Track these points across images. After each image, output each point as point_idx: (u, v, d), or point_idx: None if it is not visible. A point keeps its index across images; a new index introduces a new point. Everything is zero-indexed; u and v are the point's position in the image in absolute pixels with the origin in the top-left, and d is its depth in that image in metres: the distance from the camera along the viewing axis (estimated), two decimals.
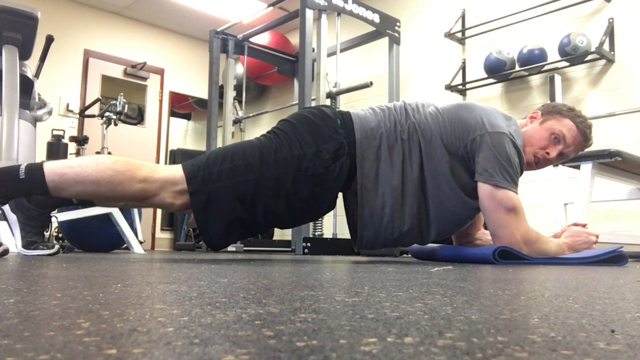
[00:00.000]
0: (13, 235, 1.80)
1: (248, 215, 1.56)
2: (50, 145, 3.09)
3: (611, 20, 3.64)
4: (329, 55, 4.13)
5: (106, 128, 4.28)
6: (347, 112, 1.74)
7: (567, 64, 3.77)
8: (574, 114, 1.82)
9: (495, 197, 1.64)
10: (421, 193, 1.69)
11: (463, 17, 4.52)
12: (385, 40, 4.66)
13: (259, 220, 1.59)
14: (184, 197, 1.54)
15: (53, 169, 1.48)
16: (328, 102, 4.04)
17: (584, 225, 1.87)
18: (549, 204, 3.44)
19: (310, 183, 1.57)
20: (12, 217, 1.77)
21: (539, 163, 1.81)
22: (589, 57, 3.63)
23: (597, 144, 3.30)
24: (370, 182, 1.66)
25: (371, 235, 1.71)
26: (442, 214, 1.71)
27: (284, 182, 1.55)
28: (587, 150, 2.58)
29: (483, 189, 1.66)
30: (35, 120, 3.31)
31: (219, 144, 4.70)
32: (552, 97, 3.09)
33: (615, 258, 1.67)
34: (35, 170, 1.48)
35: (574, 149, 1.82)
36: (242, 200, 1.54)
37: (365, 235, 1.71)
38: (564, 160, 1.91)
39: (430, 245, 2.04)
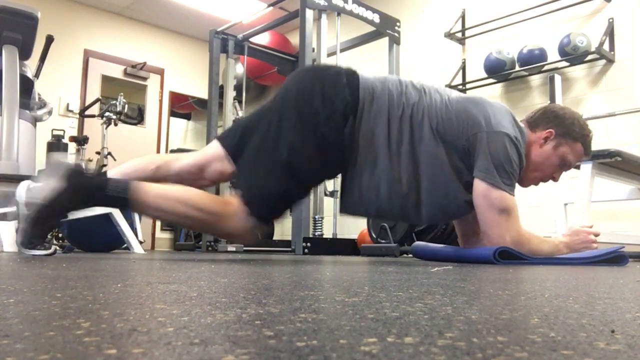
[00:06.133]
0: (17, 229, 1.78)
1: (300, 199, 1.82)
2: (50, 145, 3.09)
3: (611, 20, 3.64)
4: (329, 55, 4.13)
5: (106, 128, 4.28)
6: (355, 73, 1.75)
7: (567, 64, 3.77)
8: (584, 133, 1.80)
9: (489, 197, 1.65)
10: (414, 171, 1.69)
11: (463, 17, 4.52)
12: (385, 40, 4.66)
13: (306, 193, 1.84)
14: (250, 221, 1.66)
15: (150, 203, 1.62)
16: None
17: (590, 227, 1.85)
18: (549, 204, 3.44)
19: (332, 152, 1.66)
20: (24, 212, 1.77)
21: (542, 181, 1.87)
22: (589, 57, 3.63)
23: (597, 144, 3.30)
24: (365, 142, 1.67)
25: (356, 196, 1.72)
26: (434, 199, 1.72)
27: (319, 170, 1.72)
28: None
29: (479, 186, 1.66)
30: (35, 120, 3.31)
31: None
32: (552, 97, 3.09)
33: (615, 258, 1.66)
34: (135, 196, 1.61)
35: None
36: (294, 203, 1.79)
37: (352, 194, 1.73)
38: None
39: (432, 245, 2.04)
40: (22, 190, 1.72)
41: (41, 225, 1.65)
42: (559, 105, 2.00)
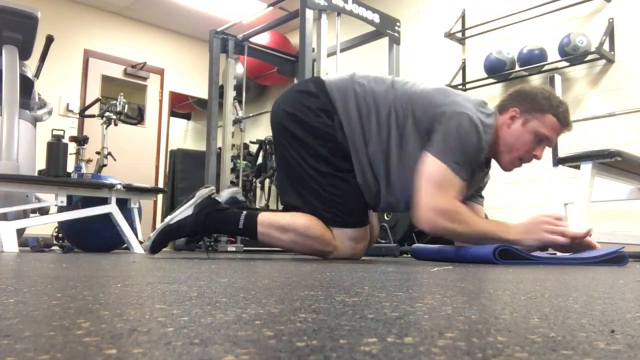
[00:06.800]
0: (179, 208, 1.92)
1: None
2: (50, 145, 3.09)
3: (611, 20, 3.64)
4: (329, 55, 4.12)
5: (106, 128, 4.28)
6: (320, 80, 1.92)
7: (567, 64, 3.77)
8: (553, 104, 1.77)
9: (426, 164, 1.69)
10: (385, 164, 1.81)
11: (463, 17, 4.52)
12: (385, 40, 4.66)
13: None
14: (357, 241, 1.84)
15: (263, 231, 1.83)
16: None
17: (586, 232, 1.73)
18: (549, 204, 3.44)
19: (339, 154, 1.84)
20: (188, 211, 1.92)
21: (524, 162, 1.84)
22: (589, 57, 3.63)
23: (597, 144, 3.29)
24: (351, 143, 1.82)
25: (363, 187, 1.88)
26: (406, 186, 1.79)
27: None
28: (587, 150, 2.59)
29: (424, 156, 1.71)
30: (35, 120, 3.31)
31: (219, 144, 4.70)
32: None
33: (615, 258, 1.66)
34: (252, 225, 1.83)
35: (556, 139, 1.85)
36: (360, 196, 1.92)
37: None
38: None
39: (431, 246, 2.04)
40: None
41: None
42: (526, 84, 2.01)
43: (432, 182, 1.66)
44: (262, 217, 1.85)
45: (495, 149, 1.80)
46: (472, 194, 2.03)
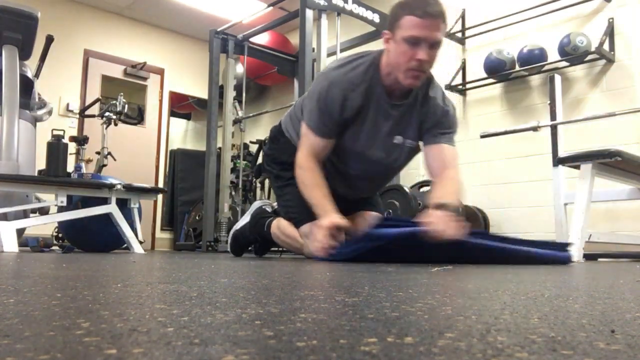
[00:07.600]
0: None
1: None
2: (50, 145, 3.09)
3: (611, 20, 3.64)
4: (329, 55, 4.12)
5: (106, 128, 4.28)
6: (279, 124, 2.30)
7: (567, 64, 3.77)
8: (405, 5, 1.77)
9: (302, 130, 1.99)
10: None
11: (463, 17, 4.52)
12: None
13: None
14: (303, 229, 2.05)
15: (272, 232, 2.20)
16: None
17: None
18: (549, 204, 3.44)
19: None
20: (247, 219, 2.40)
21: (420, 69, 1.80)
22: (589, 57, 3.63)
23: (597, 144, 3.29)
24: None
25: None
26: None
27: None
28: (587, 150, 2.58)
29: None
30: (35, 120, 3.31)
31: (219, 144, 4.70)
32: (552, 97, 3.09)
33: (559, 259, 1.72)
34: (269, 227, 2.21)
35: (436, 33, 1.76)
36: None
37: None
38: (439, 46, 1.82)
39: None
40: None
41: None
42: None
43: (300, 140, 1.99)
44: (274, 220, 2.20)
45: (393, 77, 1.87)
46: (433, 133, 1.97)
